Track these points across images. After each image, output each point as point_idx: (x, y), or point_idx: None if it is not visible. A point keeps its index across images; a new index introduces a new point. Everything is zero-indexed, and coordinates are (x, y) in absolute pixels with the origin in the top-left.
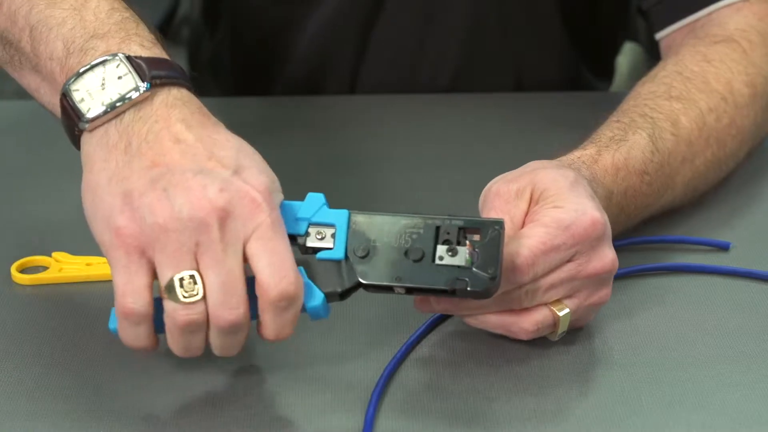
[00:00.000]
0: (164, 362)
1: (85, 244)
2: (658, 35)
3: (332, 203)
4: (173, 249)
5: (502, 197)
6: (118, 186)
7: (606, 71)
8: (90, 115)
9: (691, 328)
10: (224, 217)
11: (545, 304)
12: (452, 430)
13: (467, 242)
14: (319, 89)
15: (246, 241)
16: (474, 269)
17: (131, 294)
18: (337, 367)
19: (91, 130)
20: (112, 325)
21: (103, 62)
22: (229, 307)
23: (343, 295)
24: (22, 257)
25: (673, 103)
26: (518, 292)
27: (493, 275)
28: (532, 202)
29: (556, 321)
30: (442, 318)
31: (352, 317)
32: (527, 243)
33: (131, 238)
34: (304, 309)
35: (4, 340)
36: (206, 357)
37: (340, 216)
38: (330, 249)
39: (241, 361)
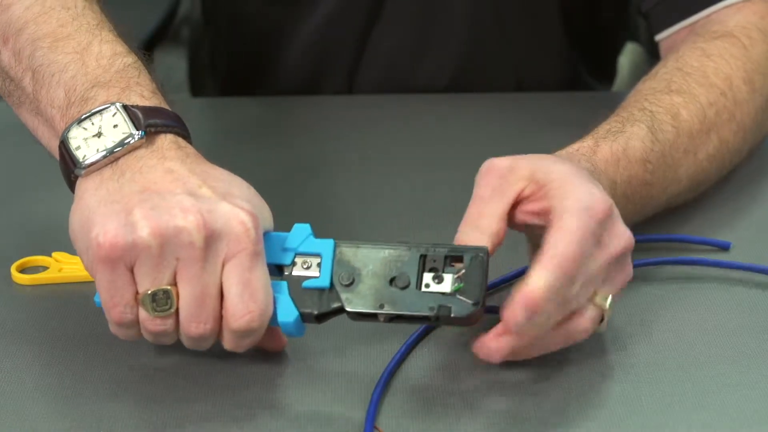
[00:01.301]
0: (164, 363)
1: None
2: (658, 37)
3: (332, 204)
4: (153, 264)
5: (495, 172)
6: (107, 207)
7: (607, 72)
8: (86, 162)
9: (691, 328)
10: (210, 236)
11: (587, 299)
12: (453, 429)
13: (455, 269)
14: (317, 90)
15: (225, 261)
16: (458, 296)
17: (120, 306)
18: (338, 366)
19: (86, 176)
20: (98, 299)
21: (100, 111)
22: (198, 321)
23: (320, 318)
24: (22, 257)
25: (673, 97)
26: (572, 289)
27: (476, 301)
28: (533, 183)
29: (603, 311)
30: None
31: None
32: (563, 236)
33: (114, 251)
34: (276, 322)
35: (4, 340)
36: (206, 357)
37: (326, 245)
38: (316, 278)
39: (241, 361)
